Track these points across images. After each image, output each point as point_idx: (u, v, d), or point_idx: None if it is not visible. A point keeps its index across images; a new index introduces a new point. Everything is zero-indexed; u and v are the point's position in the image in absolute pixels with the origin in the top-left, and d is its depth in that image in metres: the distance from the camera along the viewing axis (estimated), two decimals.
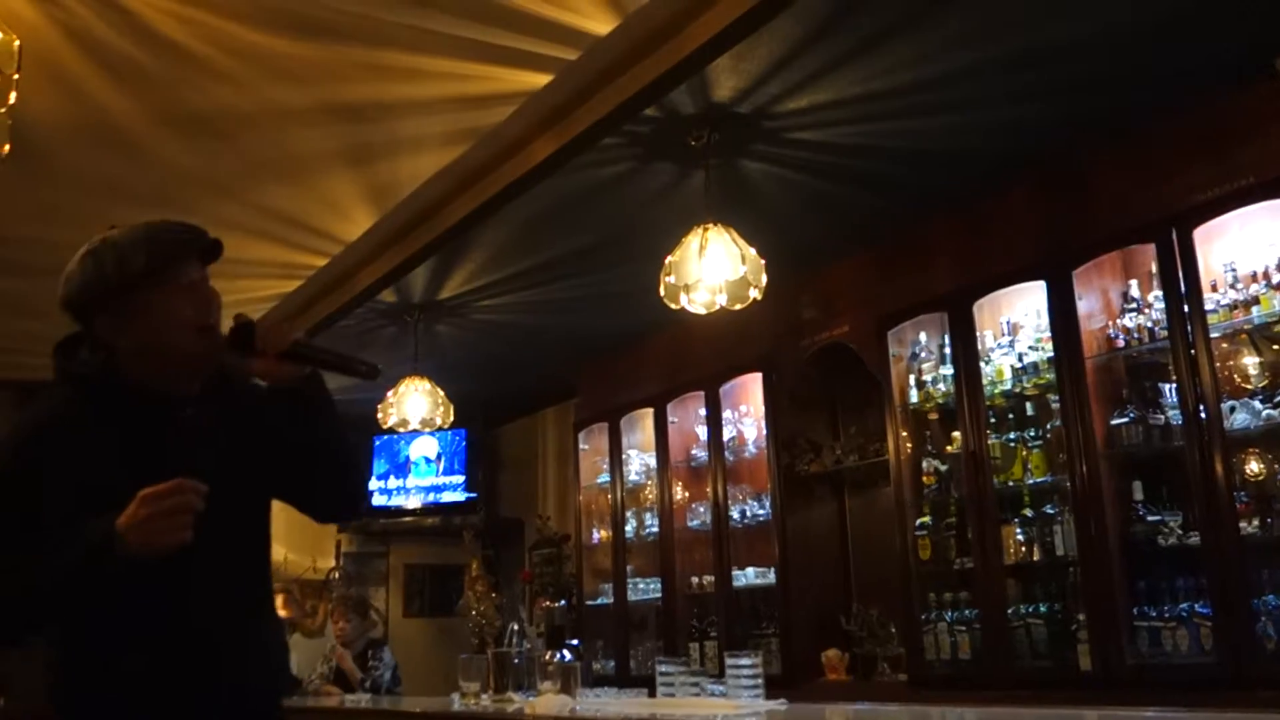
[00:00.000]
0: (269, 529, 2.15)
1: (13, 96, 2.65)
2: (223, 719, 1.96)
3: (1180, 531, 4.11)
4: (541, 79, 3.91)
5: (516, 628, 5.05)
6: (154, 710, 1.89)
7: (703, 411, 6.32)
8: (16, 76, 2.64)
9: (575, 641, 6.70)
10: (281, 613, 7.77)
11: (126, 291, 1.93)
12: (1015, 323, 4.85)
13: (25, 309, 6.31)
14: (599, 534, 7.07)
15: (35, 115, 3.82)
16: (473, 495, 8.65)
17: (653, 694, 4.12)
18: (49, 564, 1.79)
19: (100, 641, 1.88)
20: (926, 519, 5.02)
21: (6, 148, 2.92)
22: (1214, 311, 4.02)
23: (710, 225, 4.15)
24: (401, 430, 6.25)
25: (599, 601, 6.99)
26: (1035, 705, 3.77)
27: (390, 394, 6.17)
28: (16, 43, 2.69)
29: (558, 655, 4.47)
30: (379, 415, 6.25)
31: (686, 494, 6.49)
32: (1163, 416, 4.23)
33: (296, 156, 4.53)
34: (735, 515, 6.06)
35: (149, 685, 1.88)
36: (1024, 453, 4.68)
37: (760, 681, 3.64)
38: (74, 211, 5.01)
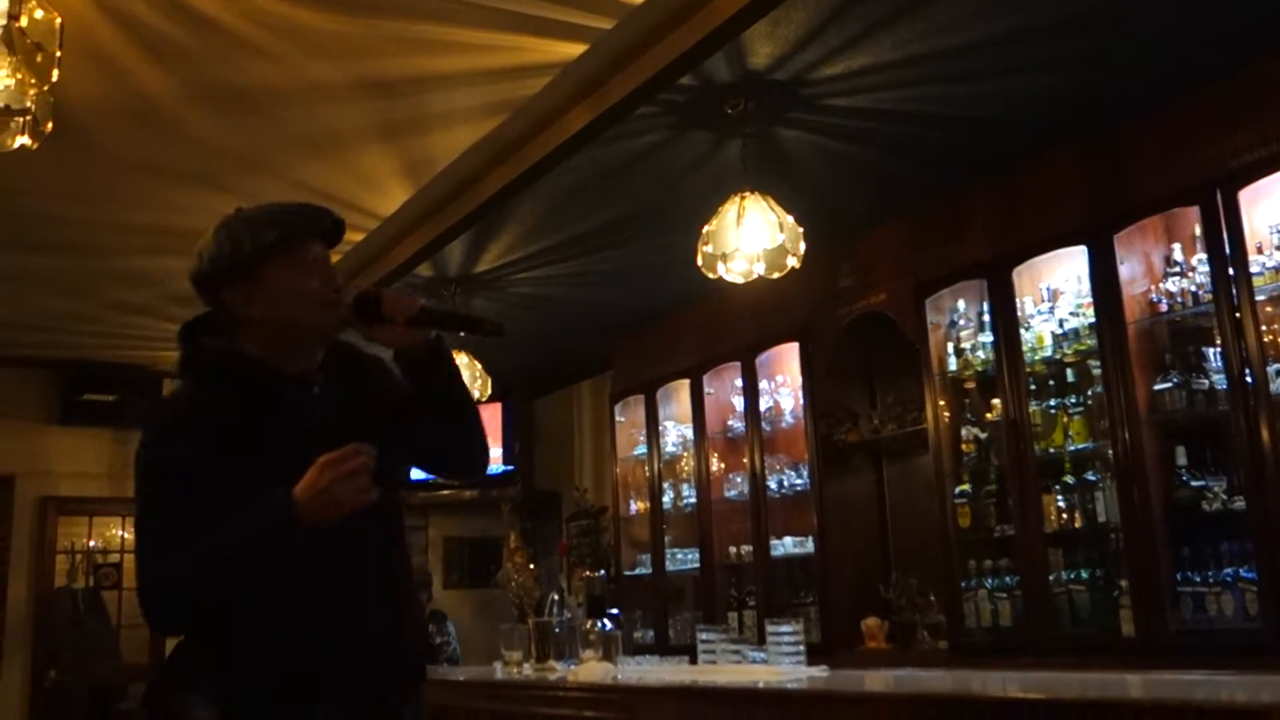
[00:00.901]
0: (400, 498, 2.21)
1: (55, 74, 2.67)
2: (387, 683, 2.03)
3: (1225, 496, 4.08)
4: (576, 49, 3.90)
5: (556, 598, 5.09)
6: (328, 676, 1.94)
7: (739, 382, 6.32)
8: (59, 54, 2.65)
9: (615, 611, 6.73)
10: None
11: (257, 264, 2.00)
12: (1055, 289, 4.80)
13: (63, 288, 6.41)
14: (636, 505, 7.10)
15: (73, 94, 3.86)
16: (510, 468, 8.70)
17: (694, 662, 4.15)
18: (227, 541, 1.84)
19: (272, 613, 1.90)
20: (966, 487, 5.01)
21: (49, 125, 2.95)
22: (1259, 274, 3.97)
23: (748, 193, 4.14)
24: None
25: (636, 572, 7.02)
26: (1077, 671, 3.76)
27: None
28: (58, 21, 2.70)
29: (598, 624, 4.50)
30: None
31: (723, 465, 6.50)
32: (1206, 381, 4.18)
33: (332, 132, 4.55)
34: (773, 485, 6.07)
35: (322, 653, 1.94)
36: (1065, 419, 4.65)
37: (802, 648, 3.66)
38: (111, 190, 5.08)
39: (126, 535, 8.44)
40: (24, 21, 2.68)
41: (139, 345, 7.60)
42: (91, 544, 8.31)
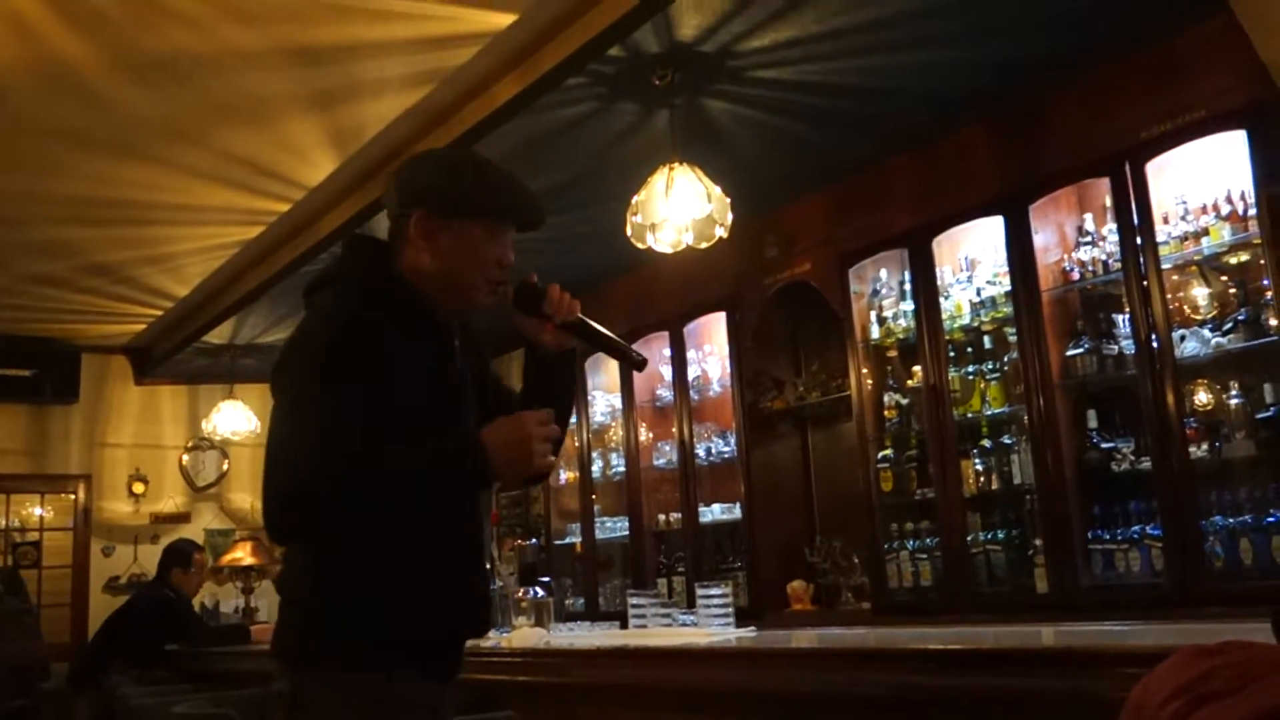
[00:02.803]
0: None
1: None
2: (472, 633, 2.06)
3: (1133, 458, 4.25)
4: (505, 19, 3.91)
5: (489, 567, 5.12)
6: (438, 613, 1.94)
7: (667, 351, 6.39)
8: None
9: (547, 579, 6.79)
10: (250, 560, 7.80)
11: (463, 211, 1.97)
12: (973, 258, 4.94)
13: None
14: (565, 475, 7.15)
15: None
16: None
17: (624, 627, 4.22)
18: (411, 473, 1.82)
19: (410, 551, 1.89)
20: (888, 452, 5.14)
21: None
22: (1165, 243, 4.13)
23: (676, 164, 4.19)
24: None
25: (566, 541, 7.09)
26: (994, 627, 3.91)
27: None
28: None
29: (530, 592, 4.54)
30: None
31: (652, 434, 6.58)
32: (1116, 347, 4.35)
33: (257, 100, 4.49)
34: (700, 453, 6.16)
35: (440, 594, 1.93)
36: (982, 385, 4.80)
37: (731, 611, 3.74)
38: (27, 159, 4.96)
39: (45, 514, 8.28)
40: None
41: (56, 318, 7.44)
42: (9, 522, 8.14)
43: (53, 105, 4.41)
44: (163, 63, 4.15)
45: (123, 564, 8.22)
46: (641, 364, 2.18)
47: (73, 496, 8.28)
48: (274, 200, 5.50)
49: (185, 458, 8.60)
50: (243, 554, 7.85)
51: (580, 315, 2.08)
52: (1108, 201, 4.35)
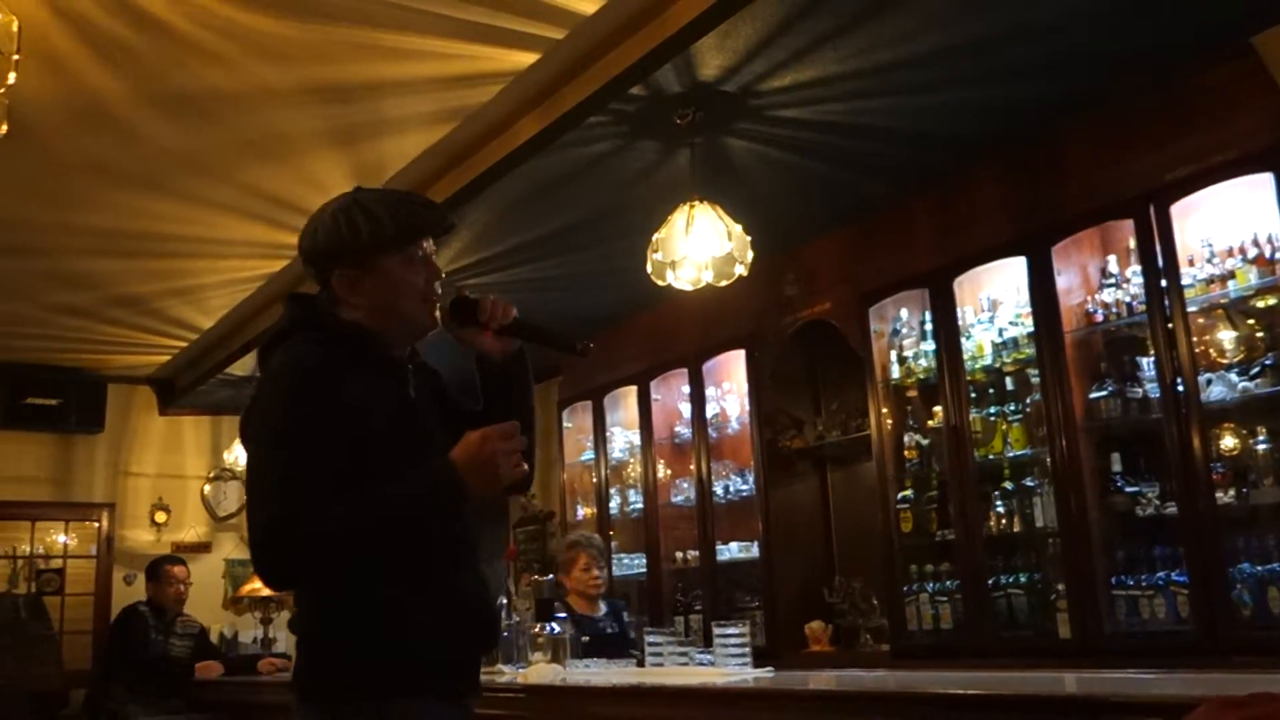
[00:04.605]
0: None
1: (12, 77, 2.66)
2: (483, 649, 2.13)
3: (1158, 502, 4.20)
4: (528, 58, 3.94)
5: (505, 602, 5.10)
6: (448, 634, 1.98)
7: (686, 389, 6.38)
8: (17, 57, 2.65)
9: (563, 615, 6.74)
10: (269, 590, 7.78)
11: (371, 253, 2.03)
12: (995, 299, 4.91)
13: (6, 290, 6.31)
14: (583, 511, 7.13)
15: (25, 95, 3.83)
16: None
17: (641, 665, 4.19)
18: (389, 499, 1.87)
19: (412, 577, 1.93)
20: (908, 492, 5.10)
21: (4, 128, 2.93)
22: (1190, 286, 4.10)
23: (696, 202, 4.20)
24: None
25: None
26: (1015, 672, 3.85)
27: None
28: (16, 24, 2.70)
29: (547, 628, 4.51)
30: None
31: (670, 471, 6.55)
32: (1140, 390, 4.30)
33: (282, 136, 4.55)
34: (719, 491, 6.13)
35: (447, 614, 1.97)
36: (1004, 427, 4.76)
37: (748, 650, 3.70)
38: (57, 191, 5.02)
39: (69, 541, 8.32)
40: None
41: (83, 348, 7.50)
42: (33, 549, 8.18)
43: (82, 139, 4.47)
44: (191, 98, 4.20)
45: (143, 592, 8.23)
46: (584, 351, 2.20)
47: (96, 524, 8.31)
48: (296, 234, 5.51)
49: (207, 488, 8.63)
50: (261, 584, 7.83)
51: (516, 316, 2.15)
52: (1132, 243, 4.32)
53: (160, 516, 8.37)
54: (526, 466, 1.94)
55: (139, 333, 7.20)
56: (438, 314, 2.10)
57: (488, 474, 1.87)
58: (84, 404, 8.01)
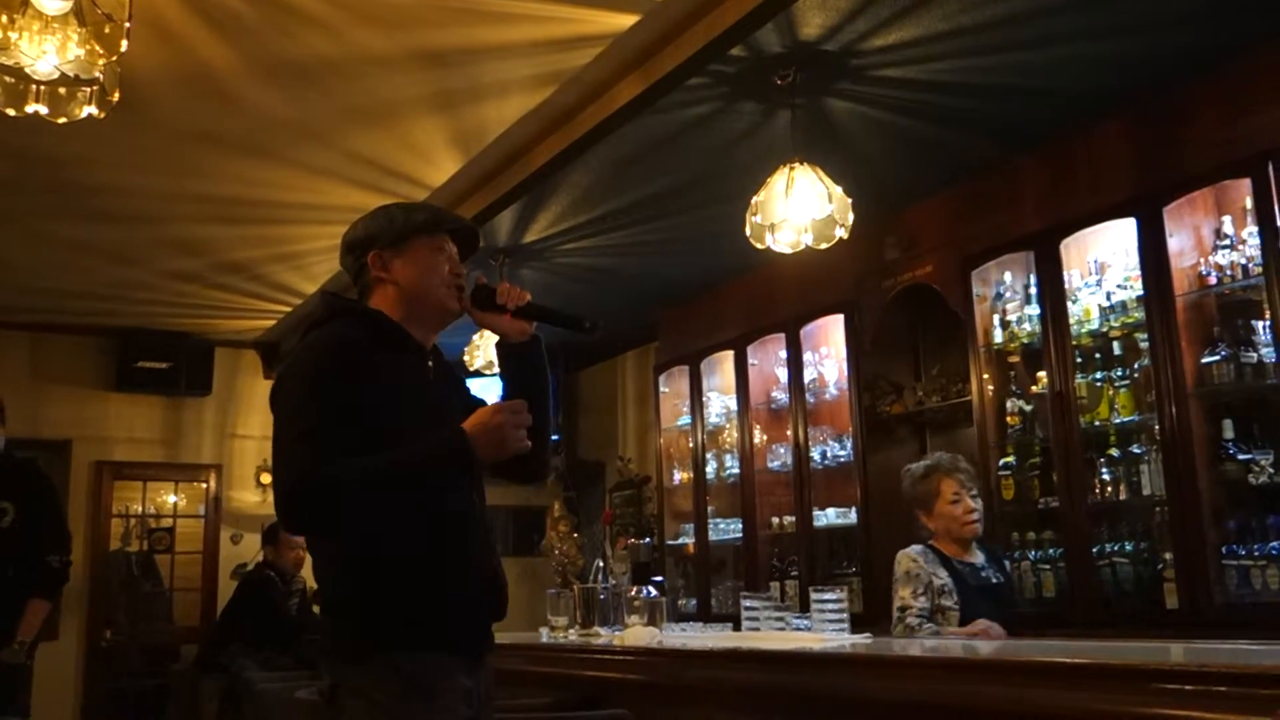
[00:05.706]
0: None
1: (124, 45, 2.73)
2: (494, 614, 2.29)
3: (1272, 470, 4.07)
4: (627, 20, 3.93)
5: (601, 565, 5.15)
6: (462, 596, 2.18)
7: (783, 354, 6.34)
8: (129, 24, 2.72)
9: (659, 579, 6.80)
10: None
11: (404, 237, 2.28)
12: (1103, 261, 4.78)
13: (120, 256, 6.52)
14: (679, 476, 7.16)
15: (135, 65, 3.94)
16: (555, 438, 8.77)
17: (737, 629, 4.20)
18: (406, 455, 2.06)
19: (423, 542, 2.12)
20: (1010, 459, 5.02)
21: (116, 95, 3.02)
22: None
23: (796, 164, 4.15)
24: (488, 373, 6.36)
25: (679, 542, 7.09)
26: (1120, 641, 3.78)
27: (476, 336, 6.29)
28: None
29: (643, 591, 4.54)
30: (464, 358, 6.38)
31: (766, 436, 6.53)
32: (1255, 354, 4.17)
33: (384, 102, 4.61)
34: (816, 456, 6.10)
35: (461, 579, 2.18)
36: (1111, 392, 4.65)
37: (845, 616, 3.69)
38: (167, 159, 5.17)
39: (179, 501, 8.60)
40: None
41: (191, 313, 7.74)
42: (145, 509, 8.48)
43: (192, 108, 4.59)
44: (296, 66, 4.28)
45: (250, 551, 8.45)
46: (593, 330, 2.39)
47: (204, 485, 8.57)
48: (400, 199, 5.58)
49: None
50: None
51: (529, 300, 2.37)
52: (1249, 203, 4.17)
53: (265, 478, 8.58)
54: (527, 442, 2.11)
55: (245, 298, 7.39)
56: (460, 300, 2.31)
57: (495, 442, 2.07)
58: (193, 367, 8.27)
